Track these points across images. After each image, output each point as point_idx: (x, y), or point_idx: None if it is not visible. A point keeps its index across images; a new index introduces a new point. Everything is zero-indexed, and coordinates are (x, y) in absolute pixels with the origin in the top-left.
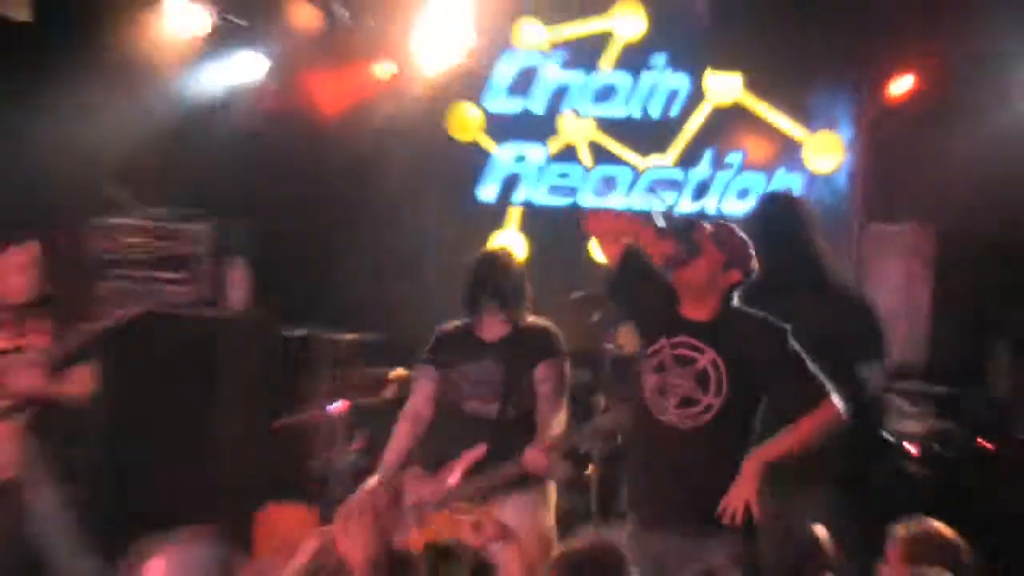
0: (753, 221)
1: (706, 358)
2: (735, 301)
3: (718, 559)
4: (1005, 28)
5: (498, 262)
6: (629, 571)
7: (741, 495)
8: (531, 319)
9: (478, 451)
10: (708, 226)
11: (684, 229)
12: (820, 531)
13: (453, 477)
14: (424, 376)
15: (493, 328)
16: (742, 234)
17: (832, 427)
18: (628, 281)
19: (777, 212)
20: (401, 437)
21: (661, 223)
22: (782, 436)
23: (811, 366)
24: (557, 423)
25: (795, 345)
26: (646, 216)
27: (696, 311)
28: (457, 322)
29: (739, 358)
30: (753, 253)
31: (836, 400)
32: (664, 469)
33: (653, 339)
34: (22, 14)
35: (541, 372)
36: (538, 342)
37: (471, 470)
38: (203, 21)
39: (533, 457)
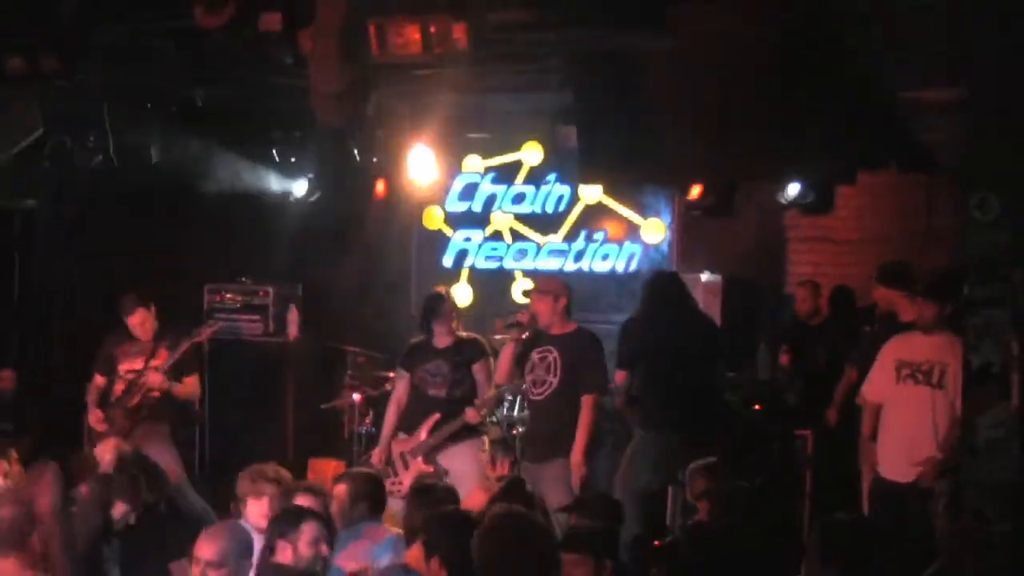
0: (648, 283)
1: (552, 356)
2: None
3: (549, 472)
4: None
5: (438, 298)
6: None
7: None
8: (466, 334)
9: (434, 417)
10: (537, 281)
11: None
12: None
13: (422, 434)
14: (401, 375)
15: (442, 339)
16: (556, 279)
17: (595, 410)
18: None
19: (663, 278)
20: (390, 416)
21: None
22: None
23: (601, 367)
24: (487, 398)
25: (599, 353)
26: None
27: (553, 331)
28: (420, 337)
29: (571, 357)
30: (563, 286)
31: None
32: (532, 422)
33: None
34: None
35: (476, 367)
36: (472, 348)
37: (432, 429)
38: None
39: (471, 414)
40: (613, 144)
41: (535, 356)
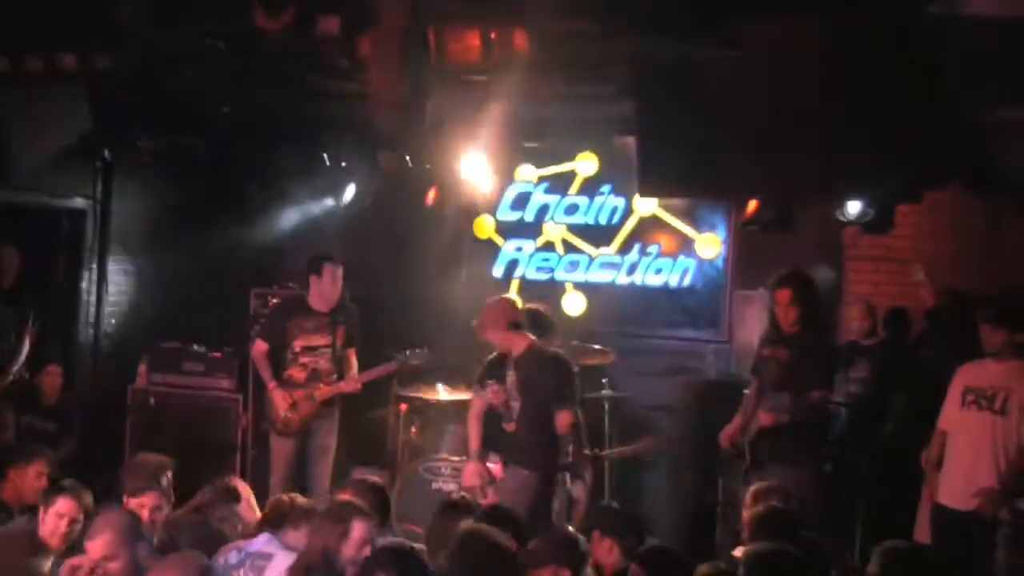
0: None
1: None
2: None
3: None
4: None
5: (543, 315)
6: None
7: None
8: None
9: None
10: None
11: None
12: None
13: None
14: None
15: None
16: (491, 308)
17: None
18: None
19: None
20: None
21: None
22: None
23: (572, 384)
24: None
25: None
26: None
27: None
28: (497, 353)
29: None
30: (499, 313)
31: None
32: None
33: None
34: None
35: None
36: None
37: None
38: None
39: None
40: (674, 157)
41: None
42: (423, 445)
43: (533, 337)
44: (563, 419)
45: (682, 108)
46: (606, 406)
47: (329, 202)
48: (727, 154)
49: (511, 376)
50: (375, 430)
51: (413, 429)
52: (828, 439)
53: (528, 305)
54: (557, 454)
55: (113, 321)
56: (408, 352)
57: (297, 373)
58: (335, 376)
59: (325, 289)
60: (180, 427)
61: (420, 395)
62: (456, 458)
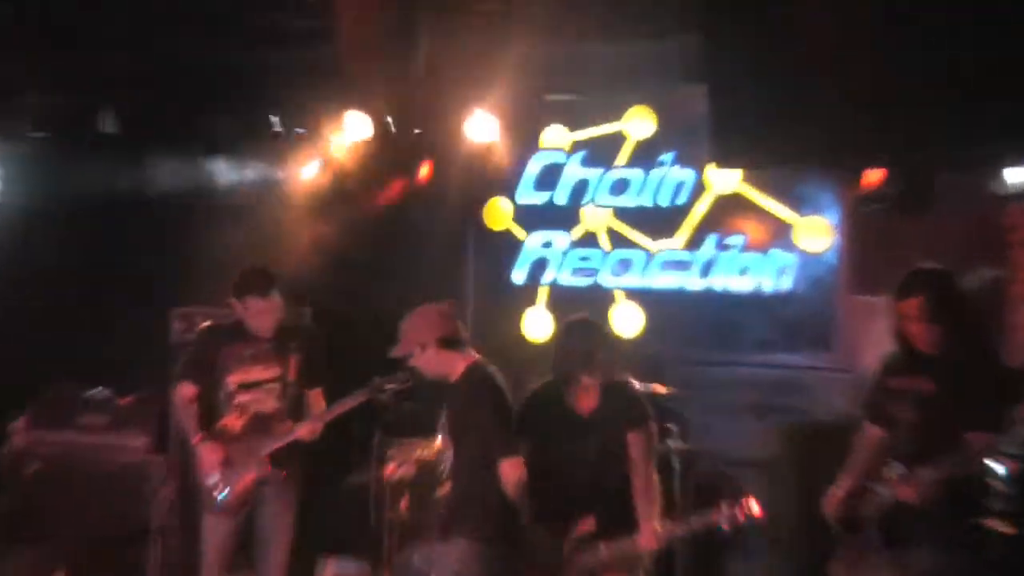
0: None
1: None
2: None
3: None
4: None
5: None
6: None
7: None
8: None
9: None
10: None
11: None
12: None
13: None
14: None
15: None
16: (418, 318)
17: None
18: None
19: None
20: None
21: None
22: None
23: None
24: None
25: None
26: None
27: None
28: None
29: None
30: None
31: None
32: None
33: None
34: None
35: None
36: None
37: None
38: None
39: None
40: (760, 111)
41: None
42: (417, 523)
43: (476, 355)
44: (508, 472)
45: (770, 44)
46: (673, 462)
47: (281, 185)
48: (835, 105)
49: (444, 416)
50: (351, 502)
51: (403, 500)
52: (996, 508)
53: (575, 317)
54: (515, 517)
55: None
56: (378, 380)
57: (232, 421)
58: (287, 422)
59: (259, 315)
60: (74, 505)
61: (412, 452)
62: (459, 540)
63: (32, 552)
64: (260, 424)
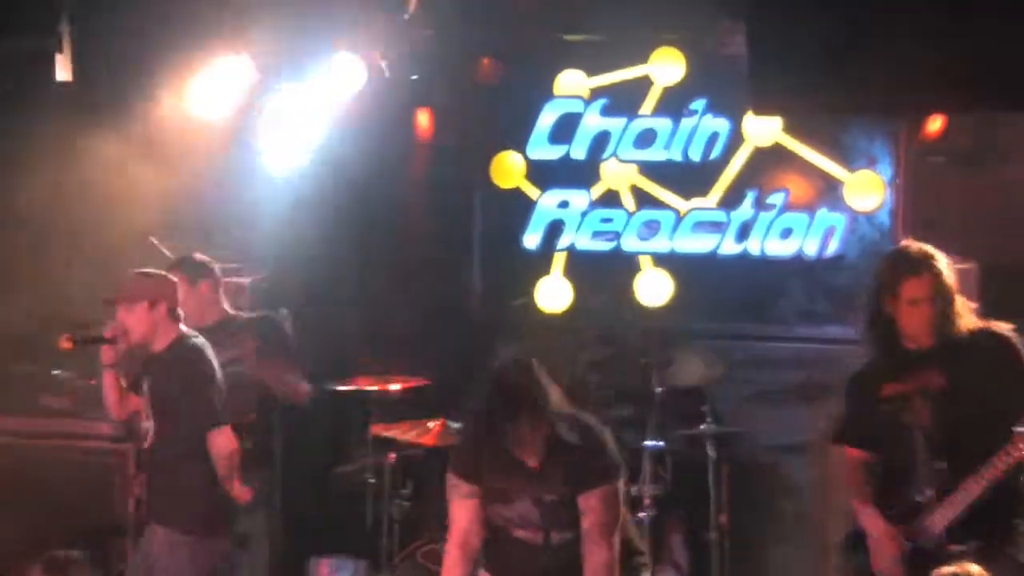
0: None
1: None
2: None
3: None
4: None
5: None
6: None
7: None
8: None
9: None
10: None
11: None
12: None
13: None
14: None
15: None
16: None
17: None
18: None
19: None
20: None
21: None
22: None
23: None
24: None
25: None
26: None
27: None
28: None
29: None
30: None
31: None
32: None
33: None
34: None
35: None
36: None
37: None
38: (248, 76)
39: None
40: (805, 51)
41: (144, 386)
42: (421, 517)
43: (185, 329)
44: (217, 443)
45: None
46: (708, 447)
47: (255, 140)
48: (890, 45)
49: (144, 385)
50: (343, 494)
51: (405, 491)
52: None
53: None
54: (223, 503)
55: None
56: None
57: None
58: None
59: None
60: (33, 501)
61: (414, 438)
62: None
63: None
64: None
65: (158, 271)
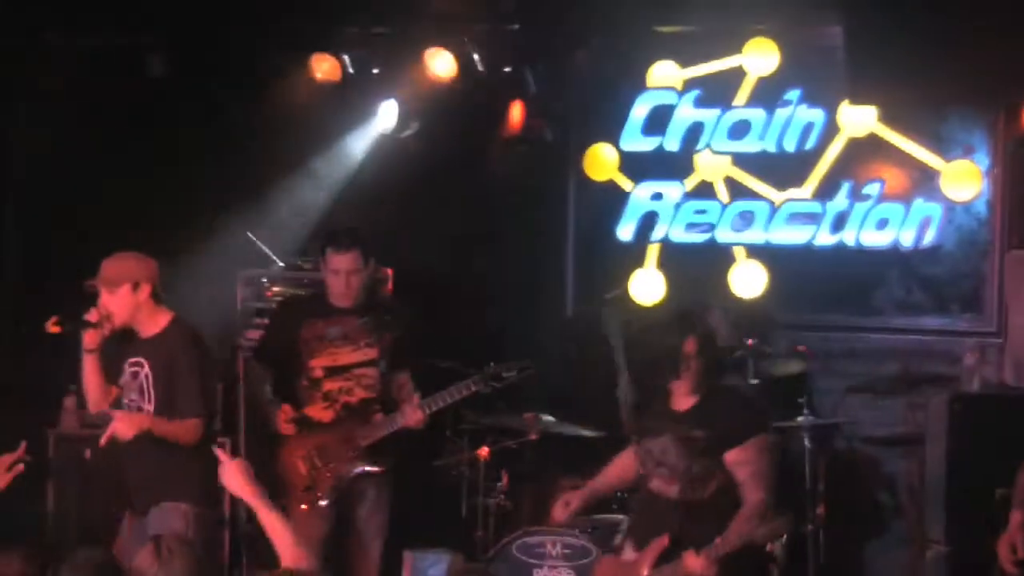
0: None
1: (143, 371)
2: None
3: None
4: None
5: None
6: None
7: None
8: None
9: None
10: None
11: None
12: None
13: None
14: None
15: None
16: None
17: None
18: None
19: None
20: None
21: None
22: None
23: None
24: None
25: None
26: None
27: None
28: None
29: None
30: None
31: None
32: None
33: None
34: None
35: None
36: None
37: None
38: (341, 71)
39: None
40: (902, 39)
41: (127, 370)
42: (517, 510)
43: (174, 313)
44: (187, 428)
45: None
46: (805, 439)
47: (354, 135)
48: (988, 32)
49: (143, 368)
50: (440, 488)
51: (501, 485)
52: None
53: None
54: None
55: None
56: (493, 366)
57: (320, 412)
58: (381, 410)
59: (335, 273)
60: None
61: (511, 428)
62: (572, 530)
63: None
64: (352, 414)
65: (138, 253)
